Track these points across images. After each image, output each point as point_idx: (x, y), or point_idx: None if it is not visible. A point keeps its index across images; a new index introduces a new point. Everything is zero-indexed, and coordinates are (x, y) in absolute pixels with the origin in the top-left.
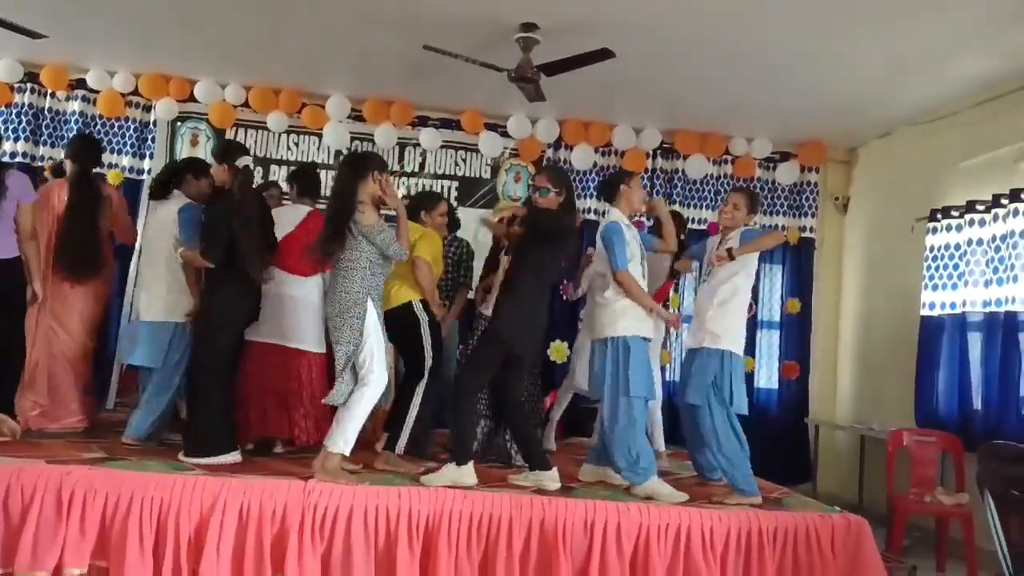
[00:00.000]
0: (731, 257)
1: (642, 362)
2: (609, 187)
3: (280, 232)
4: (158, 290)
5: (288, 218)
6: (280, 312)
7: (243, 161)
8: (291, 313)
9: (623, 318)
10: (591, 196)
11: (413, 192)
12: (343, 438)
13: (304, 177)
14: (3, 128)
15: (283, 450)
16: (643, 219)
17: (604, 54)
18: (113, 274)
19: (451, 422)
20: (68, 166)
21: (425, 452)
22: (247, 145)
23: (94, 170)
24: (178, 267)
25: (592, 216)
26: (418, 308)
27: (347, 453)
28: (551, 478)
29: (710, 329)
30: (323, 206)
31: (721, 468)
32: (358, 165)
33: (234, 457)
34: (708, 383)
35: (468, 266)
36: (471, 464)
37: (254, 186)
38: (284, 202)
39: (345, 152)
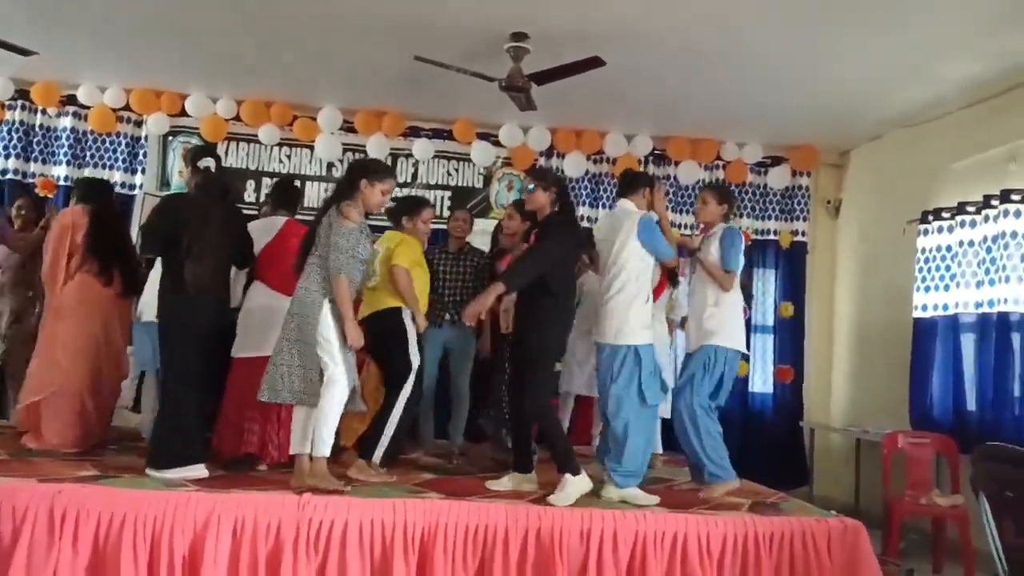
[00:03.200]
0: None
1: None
2: (631, 183)
3: (258, 245)
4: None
5: (264, 230)
6: (259, 324)
7: (204, 162)
8: (269, 324)
9: (633, 325)
10: (584, 203)
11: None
12: (318, 441)
13: (279, 189)
14: None
15: (265, 468)
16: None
17: (594, 62)
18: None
19: (547, 441)
20: (80, 206)
21: (395, 459)
22: (240, 158)
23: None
24: None
25: (585, 224)
26: (405, 315)
27: (325, 454)
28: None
29: (707, 328)
30: (303, 218)
31: (697, 450)
32: (349, 177)
33: (198, 471)
34: (691, 374)
35: (485, 276)
36: (584, 473)
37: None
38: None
39: (338, 163)
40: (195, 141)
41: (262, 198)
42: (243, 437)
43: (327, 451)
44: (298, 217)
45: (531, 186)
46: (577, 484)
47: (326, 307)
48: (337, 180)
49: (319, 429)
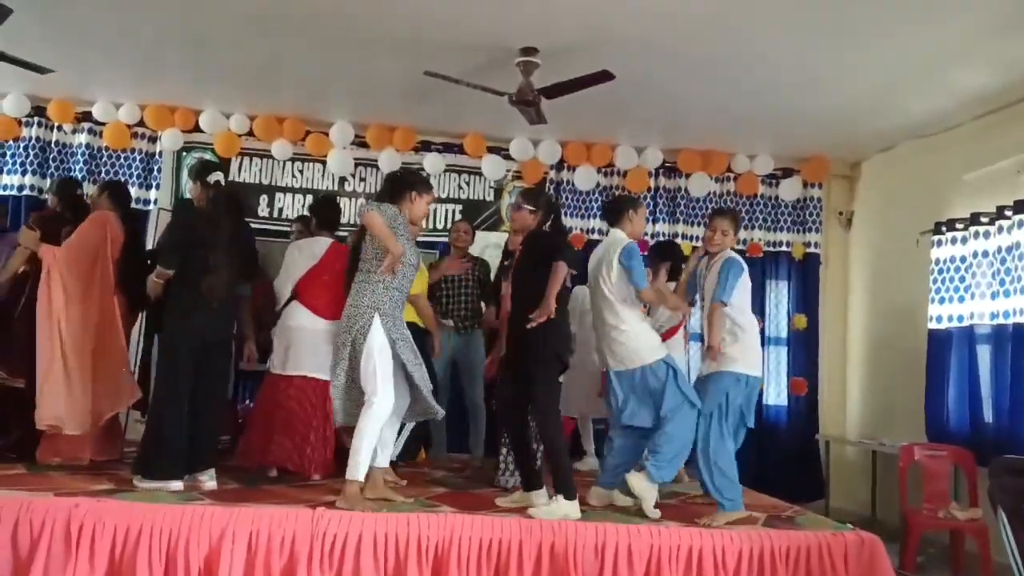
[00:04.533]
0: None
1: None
2: (615, 211)
3: (301, 267)
4: None
5: (310, 251)
6: (297, 343)
7: (214, 177)
8: (307, 344)
9: (647, 343)
10: (595, 216)
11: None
12: (354, 464)
13: (322, 209)
14: (11, 162)
15: (275, 472)
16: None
17: (604, 76)
18: None
19: (549, 459)
20: (104, 201)
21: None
22: (253, 174)
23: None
24: None
25: (596, 236)
26: (375, 322)
27: (359, 479)
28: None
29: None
30: (343, 235)
31: (706, 478)
32: (394, 189)
33: (175, 487)
34: (719, 399)
35: (487, 283)
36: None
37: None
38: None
39: (350, 178)
40: (209, 157)
41: (275, 213)
42: (272, 450)
43: (360, 475)
44: (337, 235)
45: (515, 204)
46: (567, 508)
47: (376, 321)
48: (377, 194)
49: (353, 451)
